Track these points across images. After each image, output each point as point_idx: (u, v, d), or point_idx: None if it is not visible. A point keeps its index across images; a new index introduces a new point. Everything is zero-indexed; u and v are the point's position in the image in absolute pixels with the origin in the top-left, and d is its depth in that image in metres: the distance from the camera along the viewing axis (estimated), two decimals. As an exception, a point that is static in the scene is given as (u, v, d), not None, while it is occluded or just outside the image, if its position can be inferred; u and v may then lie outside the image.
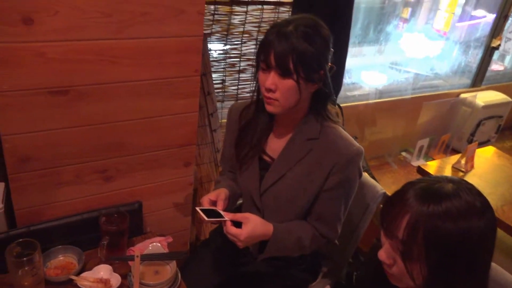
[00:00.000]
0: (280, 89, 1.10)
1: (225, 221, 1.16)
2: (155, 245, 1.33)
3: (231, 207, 1.33)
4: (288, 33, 1.06)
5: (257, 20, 2.16)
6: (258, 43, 2.08)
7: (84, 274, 1.25)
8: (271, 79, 1.09)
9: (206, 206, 1.22)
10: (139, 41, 1.23)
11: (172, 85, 1.34)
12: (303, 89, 1.10)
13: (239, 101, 1.47)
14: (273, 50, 1.07)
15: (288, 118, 1.22)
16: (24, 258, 1.12)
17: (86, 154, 1.31)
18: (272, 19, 2.19)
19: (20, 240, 1.16)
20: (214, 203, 1.23)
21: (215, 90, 2.09)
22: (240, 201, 1.41)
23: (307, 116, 1.21)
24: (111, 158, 1.36)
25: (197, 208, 1.19)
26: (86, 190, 1.37)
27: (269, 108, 1.15)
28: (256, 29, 2.19)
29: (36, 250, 1.14)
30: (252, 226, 1.15)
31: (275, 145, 1.27)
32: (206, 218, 1.14)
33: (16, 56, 1.09)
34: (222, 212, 1.19)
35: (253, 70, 2.24)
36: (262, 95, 1.15)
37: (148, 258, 1.26)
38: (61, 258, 1.31)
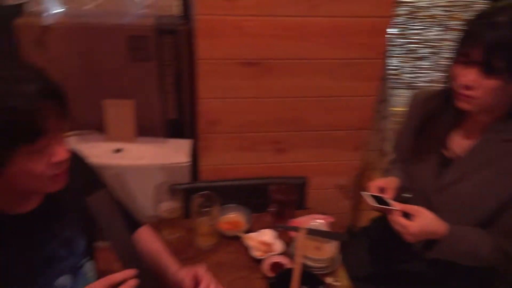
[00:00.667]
0: (481, 88, 0.97)
1: (392, 210, 1.11)
2: (318, 222, 1.35)
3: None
4: (501, 25, 0.92)
5: (447, 3, 1.97)
6: (444, 29, 1.90)
7: (250, 234, 1.35)
8: (472, 75, 0.97)
9: (374, 192, 1.19)
10: (328, 19, 1.23)
11: (355, 66, 1.32)
12: (510, 91, 0.96)
13: (423, 89, 1.37)
14: (481, 44, 0.93)
15: (482, 115, 1.08)
16: (205, 209, 1.26)
17: (266, 124, 1.39)
18: (465, 3, 1.97)
19: (204, 192, 1.31)
20: (382, 190, 1.18)
21: (388, 76, 1.99)
22: (406, 195, 1.33)
23: (507, 115, 1.06)
24: (286, 131, 1.42)
25: (364, 193, 1.16)
26: (259, 158, 1.46)
27: (461, 104, 1.04)
28: (445, 13, 2.00)
29: (216, 204, 1.27)
30: (425, 220, 1.07)
31: (461, 141, 1.15)
32: (373, 204, 1.10)
33: (219, 28, 1.21)
34: (390, 201, 1.14)
35: (435, 58, 2.06)
36: (454, 89, 1.04)
37: (312, 233, 1.29)
38: (233, 215, 1.43)
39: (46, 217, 0.92)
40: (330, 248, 1.26)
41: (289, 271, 1.13)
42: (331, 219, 1.42)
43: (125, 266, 0.85)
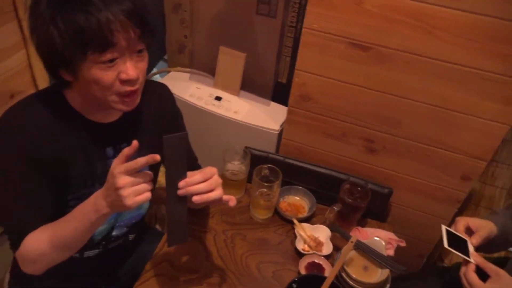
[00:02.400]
0: None
1: (468, 261, 0.92)
2: (378, 240, 1.18)
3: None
4: None
5: None
6: None
7: (305, 225, 1.26)
8: None
9: (459, 231, 0.99)
10: (474, 17, 0.98)
11: (494, 82, 1.04)
12: None
13: None
14: None
15: None
16: (265, 183, 1.21)
17: (361, 117, 1.23)
18: None
19: (269, 165, 1.25)
20: (469, 231, 0.98)
21: None
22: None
23: None
24: (382, 132, 1.23)
25: (444, 227, 0.98)
26: (346, 151, 1.32)
27: None
28: None
29: (277, 180, 1.21)
30: (500, 286, 0.86)
31: None
32: (445, 244, 0.93)
33: (336, -2, 1.07)
34: (471, 249, 0.94)
35: None
36: None
37: (362, 249, 1.15)
38: (297, 198, 1.36)
39: (124, 133, 1.00)
40: (379, 274, 1.10)
41: (313, 278, 1.03)
42: (402, 243, 1.23)
43: (169, 207, 0.87)
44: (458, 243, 0.97)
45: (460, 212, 1.39)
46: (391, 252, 1.20)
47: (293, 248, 1.20)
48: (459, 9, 0.98)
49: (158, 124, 1.08)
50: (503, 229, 1.03)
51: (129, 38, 0.80)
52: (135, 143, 0.82)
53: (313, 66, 1.19)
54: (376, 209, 1.32)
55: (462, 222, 1.00)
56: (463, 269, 0.94)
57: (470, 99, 1.09)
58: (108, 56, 0.79)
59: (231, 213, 1.30)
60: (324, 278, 1.04)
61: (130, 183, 0.80)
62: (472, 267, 0.92)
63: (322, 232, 1.25)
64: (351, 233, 1.24)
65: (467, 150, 1.17)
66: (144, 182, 0.82)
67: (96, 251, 1.10)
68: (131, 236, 1.18)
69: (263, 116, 1.51)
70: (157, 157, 0.80)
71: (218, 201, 0.93)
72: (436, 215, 1.34)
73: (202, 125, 1.58)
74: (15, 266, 1.10)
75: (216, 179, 0.91)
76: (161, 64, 1.88)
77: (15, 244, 0.92)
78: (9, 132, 0.87)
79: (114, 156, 1.00)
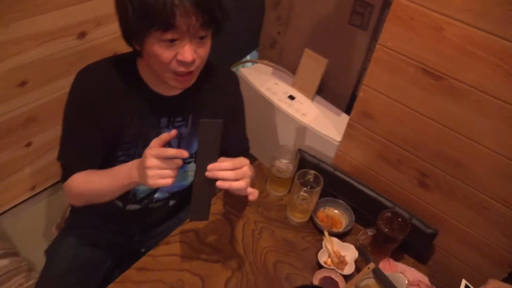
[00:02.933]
0: None
1: None
2: (401, 276, 1.12)
3: None
4: None
5: None
6: None
7: (334, 239, 1.24)
8: None
9: None
10: None
11: None
12: None
13: None
14: None
15: None
16: (305, 188, 1.22)
17: (420, 147, 1.17)
18: None
19: (314, 172, 1.26)
20: None
21: None
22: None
23: None
24: (439, 168, 1.16)
25: (464, 281, 0.93)
26: (397, 179, 1.27)
27: None
28: None
29: (318, 187, 1.21)
30: None
31: None
32: None
33: (413, 20, 1.03)
34: None
35: None
36: None
37: (378, 277, 1.10)
38: (336, 212, 1.34)
39: (181, 108, 1.10)
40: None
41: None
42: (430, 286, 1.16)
43: (196, 186, 0.94)
44: None
45: (510, 279, 1.24)
46: (409, 290, 1.13)
47: (316, 259, 1.20)
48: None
49: (216, 106, 1.15)
50: None
51: (190, 23, 0.86)
52: (174, 132, 0.92)
53: (380, 84, 1.16)
54: (416, 247, 1.25)
55: (494, 285, 0.92)
56: None
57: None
58: (169, 36, 0.87)
59: (269, 207, 1.34)
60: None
61: (156, 166, 0.89)
62: None
63: (349, 252, 1.22)
64: (381, 263, 1.20)
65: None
66: (170, 169, 0.90)
67: (138, 206, 1.22)
68: (171, 202, 1.29)
69: (329, 125, 1.50)
70: (185, 153, 0.89)
71: (241, 191, 0.97)
72: (481, 274, 1.22)
73: (269, 119, 1.63)
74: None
75: (244, 171, 0.95)
76: (254, 54, 1.96)
77: (64, 177, 1.10)
78: (76, 89, 1.02)
79: (167, 126, 1.10)
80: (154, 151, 0.90)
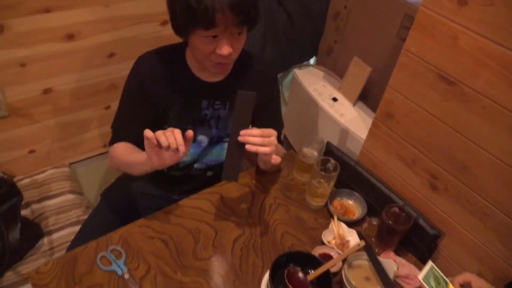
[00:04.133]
0: None
1: None
2: (392, 262, 1.19)
3: None
4: None
5: None
6: None
7: (342, 224, 1.35)
8: None
9: (456, 279, 1.01)
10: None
11: None
12: None
13: None
14: None
15: None
16: (322, 173, 1.35)
17: (432, 149, 1.25)
18: None
19: (333, 161, 1.38)
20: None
21: None
22: None
23: None
24: (448, 172, 1.22)
25: (431, 262, 1.04)
26: (410, 179, 1.34)
27: None
28: None
29: (334, 173, 1.34)
30: None
31: None
32: (420, 276, 1.01)
33: (435, 29, 1.13)
34: None
35: None
36: None
37: (371, 260, 1.19)
38: (351, 203, 1.44)
39: (220, 93, 1.31)
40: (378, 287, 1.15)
41: (308, 259, 1.15)
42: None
43: (229, 149, 1.09)
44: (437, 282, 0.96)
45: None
46: (403, 284, 1.20)
47: (319, 237, 1.32)
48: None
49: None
50: None
51: (227, 24, 1.04)
52: (190, 133, 1.07)
53: (403, 87, 1.27)
54: (419, 247, 1.31)
55: (467, 276, 0.97)
56: None
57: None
58: (210, 33, 1.06)
59: (291, 188, 1.49)
60: (317, 261, 1.16)
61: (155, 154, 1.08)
62: None
63: (353, 238, 1.33)
64: (382, 254, 1.28)
65: (527, 223, 1.07)
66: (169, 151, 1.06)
67: (179, 173, 1.44)
68: (209, 173, 1.49)
69: (362, 126, 1.61)
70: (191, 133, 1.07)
71: (267, 156, 1.13)
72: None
73: (311, 115, 1.78)
74: None
75: (271, 140, 1.12)
76: (313, 60, 2.13)
77: (111, 142, 1.34)
78: (135, 71, 1.26)
79: (207, 108, 1.31)
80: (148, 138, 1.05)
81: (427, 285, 0.98)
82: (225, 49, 1.09)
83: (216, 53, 1.11)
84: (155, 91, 1.26)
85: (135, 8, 1.61)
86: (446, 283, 1.01)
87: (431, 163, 1.26)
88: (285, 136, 2.07)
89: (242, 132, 1.07)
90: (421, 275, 1.01)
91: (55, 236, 1.52)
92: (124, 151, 1.31)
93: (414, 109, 1.25)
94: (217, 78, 1.29)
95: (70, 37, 1.52)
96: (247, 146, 1.07)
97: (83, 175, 1.86)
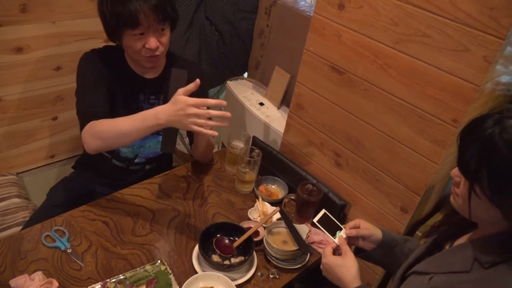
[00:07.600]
0: None
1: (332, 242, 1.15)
2: (304, 226, 1.40)
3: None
4: None
5: None
6: None
7: (266, 204, 1.55)
8: None
9: (348, 225, 1.19)
10: (410, 59, 1.20)
11: (427, 121, 1.21)
12: None
13: None
14: None
15: None
16: (248, 158, 1.56)
17: (334, 131, 1.49)
18: None
19: (257, 150, 1.59)
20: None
21: None
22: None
23: None
24: (347, 149, 1.46)
25: (324, 210, 1.26)
26: (321, 160, 1.57)
27: None
28: None
29: (257, 158, 1.55)
30: (340, 262, 1.08)
31: None
32: (315, 219, 1.21)
33: (324, 30, 1.40)
34: (343, 235, 1.15)
35: None
36: None
37: (287, 224, 1.38)
38: (274, 187, 1.65)
39: (154, 88, 1.50)
40: (292, 249, 1.33)
41: (234, 228, 1.34)
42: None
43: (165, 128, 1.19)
44: (330, 226, 1.16)
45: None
46: (316, 247, 1.40)
47: (246, 214, 1.50)
48: (405, 53, 1.20)
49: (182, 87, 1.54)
50: (386, 243, 1.16)
51: (150, 21, 1.27)
52: (198, 81, 1.14)
53: (307, 80, 1.52)
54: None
55: (357, 221, 1.18)
56: (325, 247, 1.13)
57: (410, 133, 1.26)
58: (137, 31, 1.29)
59: (222, 178, 1.68)
60: (242, 229, 1.34)
61: (195, 114, 1.10)
62: (333, 245, 1.12)
63: (277, 214, 1.52)
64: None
65: (406, 182, 1.31)
66: (205, 119, 1.12)
67: (121, 164, 1.60)
68: (147, 167, 1.66)
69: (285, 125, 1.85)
70: (224, 102, 1.13)
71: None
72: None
73: (242, 117, 2.01)
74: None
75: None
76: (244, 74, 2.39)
77: (82, 125, 1.31)
78: (85, 59, 1.41)
79: (144, 101, 1.50)
80: (192, 101, 1.09)
81: (325, 229, 1.18)
82: (152, 42, 1.31)
83: (145, 48, 1.32)
84: (105, 76, 1.40)
85: (81, 26, 1.81)
86: (340, 228, 1.21)
87: (335, 143, 1.50)
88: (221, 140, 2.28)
89: None
90: (316, 219, 1.21)
91: (1, 235, 1.61)
92: (110, 122, 1.26)
93: (317, 98, 1.51)
94: (151, 75, 1.49)
95: (19, 50, 1.68)
96: None
97: (30, 184, 1.96)
